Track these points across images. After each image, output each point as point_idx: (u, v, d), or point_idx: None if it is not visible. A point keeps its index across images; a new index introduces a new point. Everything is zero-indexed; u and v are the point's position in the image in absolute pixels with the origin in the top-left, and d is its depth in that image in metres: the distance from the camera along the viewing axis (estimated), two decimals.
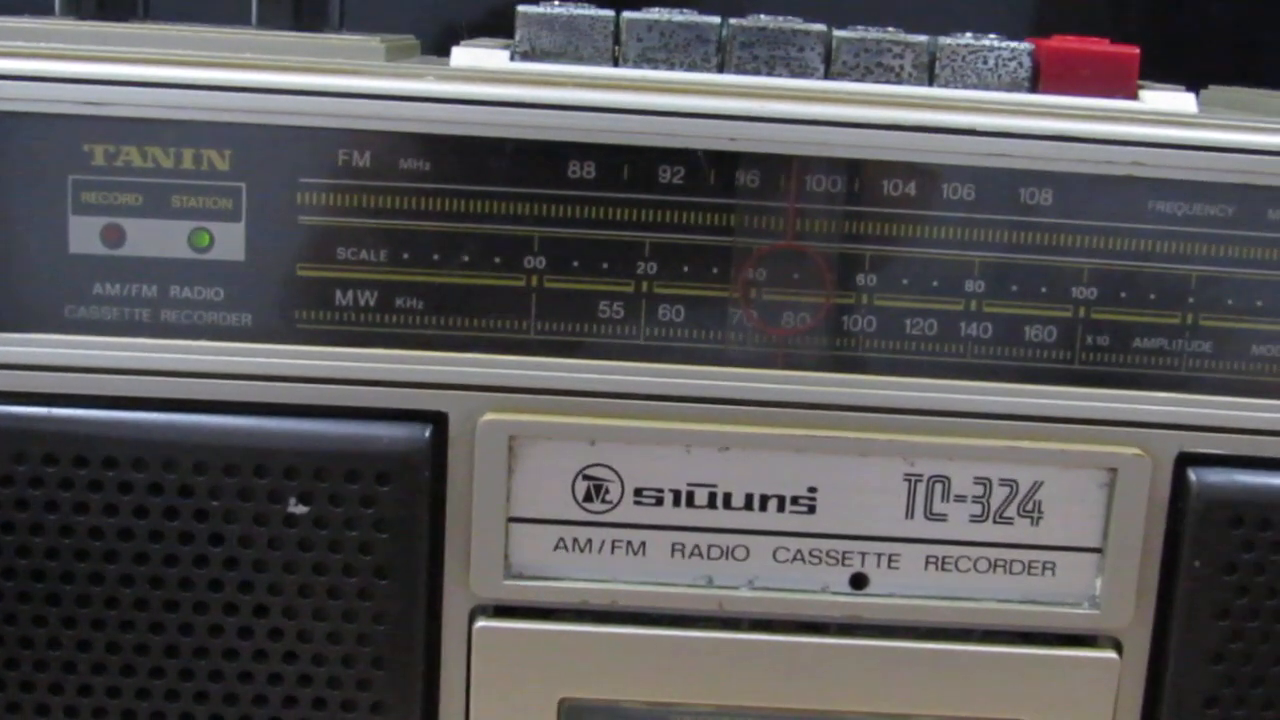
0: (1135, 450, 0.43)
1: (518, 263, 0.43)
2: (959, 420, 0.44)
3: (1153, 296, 0.44)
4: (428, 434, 0.43)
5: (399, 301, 0.43)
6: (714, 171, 0.43)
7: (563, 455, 0.43)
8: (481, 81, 0.43)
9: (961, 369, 0.44)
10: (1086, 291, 0.44)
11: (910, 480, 0.44)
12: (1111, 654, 0.44)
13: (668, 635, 0.44)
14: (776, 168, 0.43)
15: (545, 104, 0.42)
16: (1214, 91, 0.53)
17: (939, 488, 0.44)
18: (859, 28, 0.46)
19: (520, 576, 0.44)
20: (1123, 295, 0.44)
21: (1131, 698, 0.45)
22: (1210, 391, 0.44)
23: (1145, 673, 0.45)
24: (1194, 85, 0.53)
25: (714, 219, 0.43)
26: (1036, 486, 0.44)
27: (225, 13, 0.51)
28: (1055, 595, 0.44)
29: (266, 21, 0.48)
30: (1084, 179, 0.43)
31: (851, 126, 0.43)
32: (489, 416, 0.43)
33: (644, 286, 0.43)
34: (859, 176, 0.43)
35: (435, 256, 0.43)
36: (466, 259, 0.43)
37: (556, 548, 0.44)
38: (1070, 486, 0.44)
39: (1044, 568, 0.44)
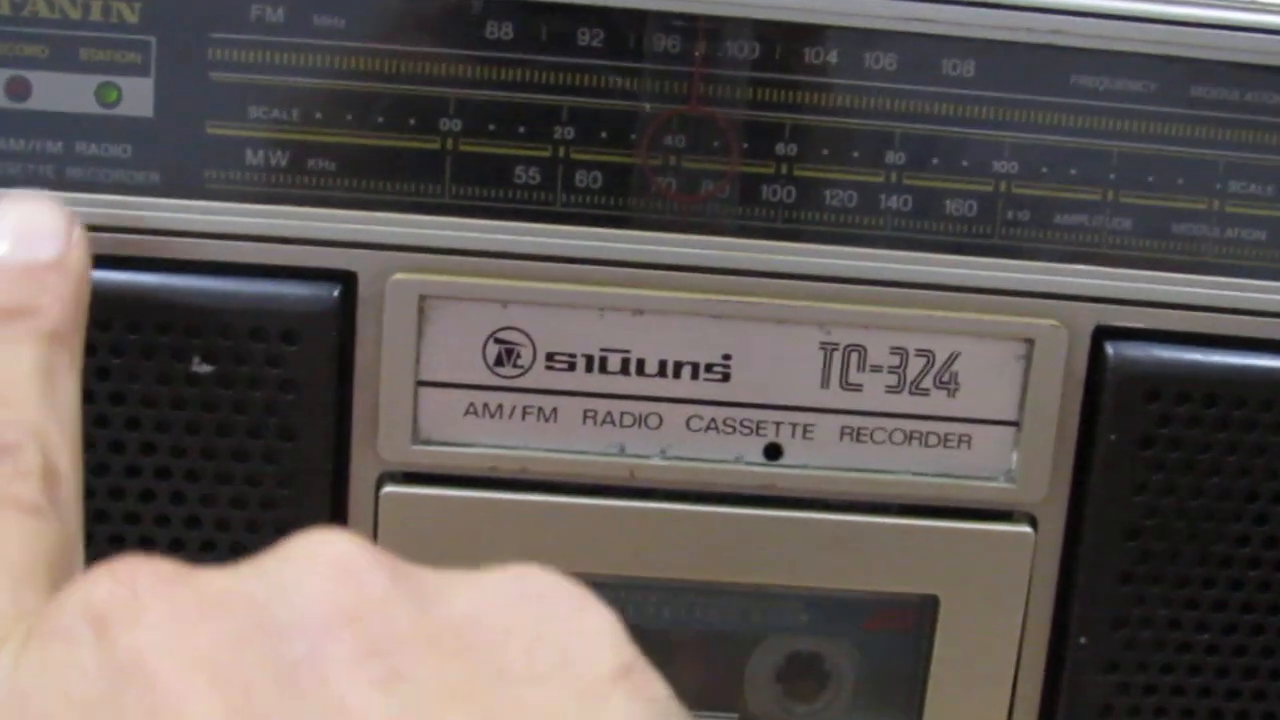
0: (1052, 322, 0.43)
1: (433, 124, 0.42)
2: (877, 289, 0.43)
3: (1073, 172, 0.43)
4: (336, 293, 0.42)
5: (311, 162, 0.43)
6: (632, 34, 0.42)
7: (474, 318, 0.42)
8: None
9: (881, 240, 0.43)
10: (1007, 165, 0.43)
11: (826, 349, 0.43)
12: (1026, 528, 0.44)
13: (578, 504, 0.43)
14: (693, 30, 0.42)
15: None
16: None
17: (855, 357, 0.43)
18: None
19: (429, 442, 0.43)
20: (1043, 170, 0.43)
21: (1047, 573, 0.45)
22: (1129, 266, 0.44)
23: (1061, 548, 0.44)
24: None
25: (631, 84, 0.42)
26: (953, 358, 0.43)
27: None
28: (971, 469, 0.44)
29: None
30: (1005, 48, 0.43)
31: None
32: (399, 276, 0.42)
33: (560, 151, 0.43)
34: (776, 41, 0.42)
35: (349, 116, 0.42)
36: (381, 120, 0.42)
37: (466, 413, 0.43)
38: (987, 358, 0.43)
39: (960, 440, 0.44)
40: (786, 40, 0.42)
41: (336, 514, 0.43)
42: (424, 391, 0.43)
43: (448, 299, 0.42)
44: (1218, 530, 0.44)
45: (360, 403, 0.43)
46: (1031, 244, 0.44)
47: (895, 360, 0.43)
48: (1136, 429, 0.43)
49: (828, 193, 0.43)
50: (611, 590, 0.44)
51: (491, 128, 0.42)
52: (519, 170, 0.43)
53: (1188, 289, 0.44)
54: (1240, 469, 0.44)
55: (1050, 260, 0.44)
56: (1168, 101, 0.43)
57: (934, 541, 0.44)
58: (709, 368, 0.43)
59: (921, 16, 0.42)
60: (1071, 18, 0.42)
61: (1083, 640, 0.44)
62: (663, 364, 0.43)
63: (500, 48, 0.42)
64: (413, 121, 0.42)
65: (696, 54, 0.42)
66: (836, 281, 0.43)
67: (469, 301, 0.42)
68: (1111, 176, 0.44)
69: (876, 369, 0.43)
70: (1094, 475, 0.44)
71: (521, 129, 0.42)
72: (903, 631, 0.45)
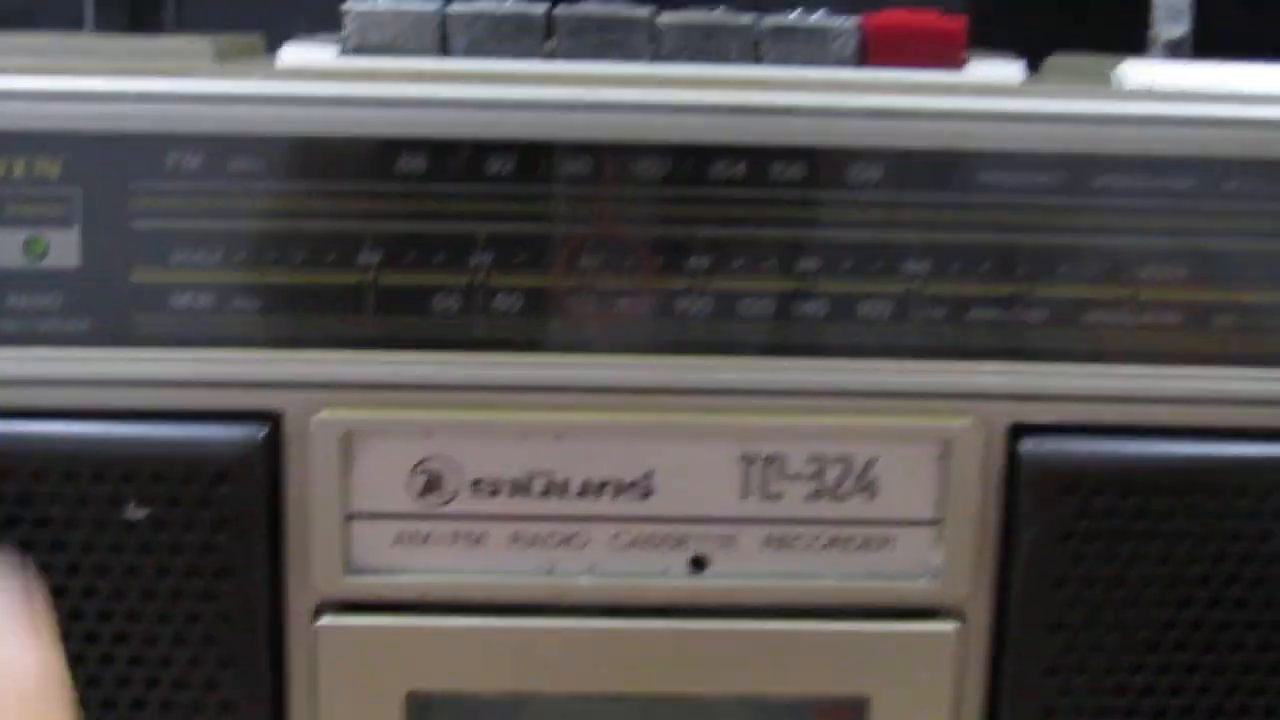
0: (968, 422, 0.44)
1: (352, 259, 0.43)
2: (794, 399, 0.44)
3: (986, 268, 0.44)
4: (263, 434, 0.43)
5: (236, 302, 0.44)
6: (542, 160, 0.43)
7: (398, 449, 0.43)
8: (304, 79, 0.43)
9: (798, 348, 0.44)
10: (919, 266, 0.44)
11: (745, 461, 0.44)
12: (952, 625, 0.45)
13: (511, 625, 0.44)
14: (603, 154, 0.43)
15: (371, 100, 0.43)
16: (1058, 59, 0.53)
17: (774, 467, 0.44)
18: (687, 10, 0.46)
19: (362, 572, 0.44)
20: (955, 268, 0.44)
21: (976, 668, 0.45)
22: (1044, 360, 0.44)
23: (988, 643, 0.45)
24: (1045, 52, 0.54)
25: (545, 208, 0.43)
26: (871, 461, 0.44)
27: (65, 17, 0.51)
28: (895, 569, 0.45)
29: (103, 25, 0.48)
30: (910, 153, 0.43)
31: (675, 111, 0.43)
32: (322, 414, 0.43)
33: (479, 278, 0.44)
34: (686, 160, 0.43)
35: (271, 256, 0.43)
36: (302, 257, 0.43)
37: (396, 542, 0.44)
38: (905, 460, 0.44)
39: (882, 542, 0.45)
40: (694, 158, 0.43)
41: (276, 645, 0.44)
42: (354, 523, 0.44)
43: (371, 433, 0.43)
44: (1142, 618, 0.45)
45: (293, 537, 0.44)
46: (947, 341, 0.44)
47: (814, 468, 0.44)
48: (1055, 523, 0.44)
49: (743, 304, 0.44)
50: (557, 706, 0.46)
51: (410, 258, 0.43)
52: (439, 299, 0.44)
53: (1103, 380, 0.44)
54: (1161, 557, 0.44)
55: (965, 358, 0.44)
56: (1074, 193, 0.44)
57: (862, 643, 0.45)
58: (631, 485, 0.44)
59: (824, 132, 0.43)
60: (972, 122, 0.43)
61: None
62: (586, 484, 0.44)
63: (413, 180, 0.43)
64: (333, 257, 0.43)
65: (605, 176, 0.43)
66: (754, 394, 0.44)
67: (393, 435, 0.43)
68: (1023, 270, 0.44)
69: (796, 477, 0.44)
70: (1015, 570, 0.44)
71: (439, 258, 0.43)
72: None
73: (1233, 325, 0.45)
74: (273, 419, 0.43)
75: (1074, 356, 0.45)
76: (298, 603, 0.44)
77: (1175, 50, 0.49)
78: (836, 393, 0.44)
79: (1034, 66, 0.51)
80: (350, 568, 0.44)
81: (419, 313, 0.44)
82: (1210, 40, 0.50)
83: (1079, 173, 0.44)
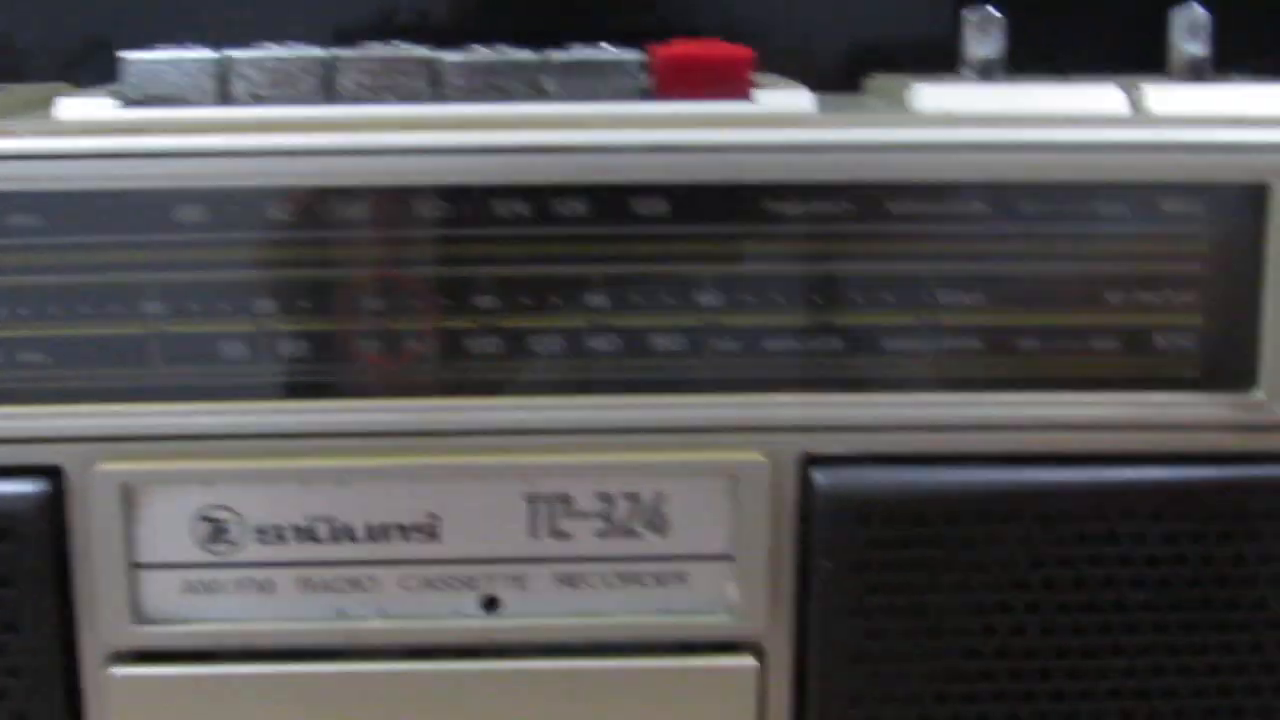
0: (755, 456, 0.43)
1: (136, 310, 0.43)
2: (583, 437, 0.44)
3: (778, 299, 0.44)
4: (45, 488, 0.43)
5: (21, 356, 0.44)
6: (321, 205, 0.43)
7: (180, 499, 0.43)
8: (78, 134, 0.43)
9: (589, 385, 0.44)
10: (711, 298, 0.44)
11: (531, 500, 0.44)
12: (749, 660, 0.44)
13: (304, 670, 0.44)
14: (382, 197, 0.43)
15: (147, 152, 0.43)
16: (875, 80, 0.52)
17: (561, 506, 0.44)
18: (471, 49, 0.45)
19: (152, 621, 0.44)
20: (747, 300, 0.44)
21: (778, 703, 0.45)
22: (841, 390, 0.44)
23: (790, 677, 0.45)
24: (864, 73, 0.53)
25: (326, 253, 0.43)
26: (660, 497, 0.44)
27: None
28: (689, 605, 0.44)
29: None
30: (697, 186, 0.43)
31: (455, 153, 0.43)
32: (101, 466, 0.43)
33: (264, 325, 0.43)
34: (466, 201, 0.43)
35: (53, 309, 0.43)
36: (85, 310, 0.43)
37: (185, 591, 0.44)
38: (694, 495, 0.44)
39: (675, 578, 0.44)
40: (474, 197, 0.43)
41: (71, 698, 0.44)
42: (142, 573, 0.44)
43: (153, 484, 0.43)
44: (946, 647, 0.44)
45: (82, 588, 0.44)
46: (740, 374, 0.44)
47: (602, 505, 0.44)
48: (849, 554, 0.43)
49: (533, 341, 0.44)
50: None
51: (194, 308, 0.43)
52: (225, 346, 0.43)
53: (900, 409, 0.44)
54: (960, 585, 0.44)
55: (759, 390, 0.44)
56: (866, 219, 0.43)
57: (659, 680, 0.44)
58: (416, 528, 0.44)
59: (607, 168, 0.42)
60: (754, 154, 0.43)
61: None
62: (370, 528, 0.43)
63: (192, 230, 0.43)
64: (116, 308, 0.43)
65: (386, 219, 0.43)
66: (540, 434, 0.43)
67: (174, 485, 0.43)
68: (816, 299, 0.44)
69: (584, 515, 0.44)
70: (812, 602, 0.44)
71: (223, 306, 0.43)
72: None
73: (1035, 349, 0.44)
74: (54, 473, 0.43)
75: (872, 386, 0.44)
76: (90, 654, 0.44)
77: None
78: (627, 429, 0.44)
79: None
80: (140, 618, 0.44)
81: (204, 361, 0.43)
82: (1023, 59, 0.49)
83: (869, 200, 0.43)
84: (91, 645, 0.44)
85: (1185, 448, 0.44)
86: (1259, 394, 0.44)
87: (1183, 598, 0.44)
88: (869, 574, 0.44)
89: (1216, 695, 0.45)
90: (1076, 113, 0.44)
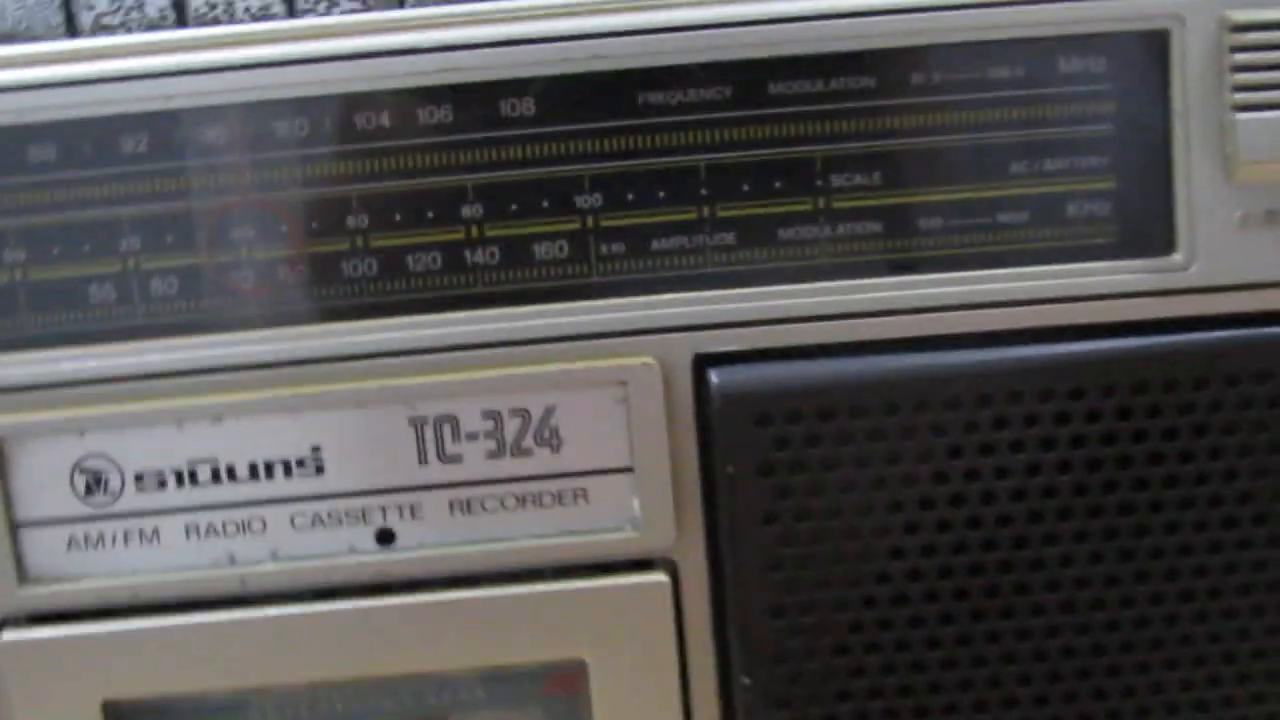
0: (644, 359, 0.41)
1: None
2: (467, 353, 0.42)
3: (662, 194, 0.42)
4: None
5: None
6: (174, 131, 0.41)
7: (55, 451, 0.42)
8: None
9: (471, 299, 0.42)
10: (591, 199, 0.42)
11: (416, 424, 0.42)
12: (662, 576, 0.42)
13: (198, 620, 0.42)
14: (225, 119, 0.41)
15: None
16: None
17: (448, 428, 0.42)
18: None
19: (38, 581, 0.42)
20: (630, 198, 0.42)
21: (698, 617, 0.43)
22: (738, 285, 0.42)
23: (708, 590, 0.42)
24: None
25: (179, 183, 0.41)
26: (549, 412, 0.42)
27: None
28: (592, 523, 0.42)
29: None
30: (566, 78, 0.41)
31: (308, 62, 0.41)
32: None
33: (130, 263, 0.42)
34: (324, 112, 0.41)
35: None
36: None
37: (70, 548, 0.42)
38: (585, 407, 0.42)
39: (575, 496, 0.42)
40: (336, 109, 0.41)
41: None
42: (24, 532, 0.42)
43: (24, 437, 0.41)
44: (867, 549, 0.42)
45: None
46: (631, 276, 0.42)
47: (490, 425, 0.42)
48: (753, 457, 0.41)
49: (410, 258, 0.42)
50: (267, 699, 0.44)
51: (56, 251, 0.42)
52: (93, 289, 0.42)
53: (793, 299, 0.41)
54: (874, 481, 0.41)
55: (650, 293, 0.42)
56: (746, 104, 0.41)
57: (570, 603, 0.42)
58: (300, 463, 0.42)
59: (467, 65, 0.40)
60: (614, 39, 0.40)
61: (746, 681, 0.42)
62: (253, 466, 0.42)
63: (45, 170, 0.41)
64: None
65: (243, 140, 0.41)
66: (422, 353, 0.42)
67: (46, 436, 0.41)
68: (703, 192, 0.41)
69: (473, 436, 0.42)
70: (721, 511, 0.41)
71: (87, 247, 0.42)
72: (580, 694, 0.44)
73: (937, 228, 0.42)
74: None
75: (766, 279, 0.42)
76: None
77: None
78: (510, 342, 0.42)
79: None
80: (26, 579, 0.42)
81: (73, 305, 0.42)
82: None
83: (749, 81, 0.41)
84: None
85: (1106, 318, 0.41)
86: (1177, 256, 0.41)
87: (1114, 478, 0.41)
88: (776, 477, 0.41)
89: (1163, 580, 0.42)
90: None
